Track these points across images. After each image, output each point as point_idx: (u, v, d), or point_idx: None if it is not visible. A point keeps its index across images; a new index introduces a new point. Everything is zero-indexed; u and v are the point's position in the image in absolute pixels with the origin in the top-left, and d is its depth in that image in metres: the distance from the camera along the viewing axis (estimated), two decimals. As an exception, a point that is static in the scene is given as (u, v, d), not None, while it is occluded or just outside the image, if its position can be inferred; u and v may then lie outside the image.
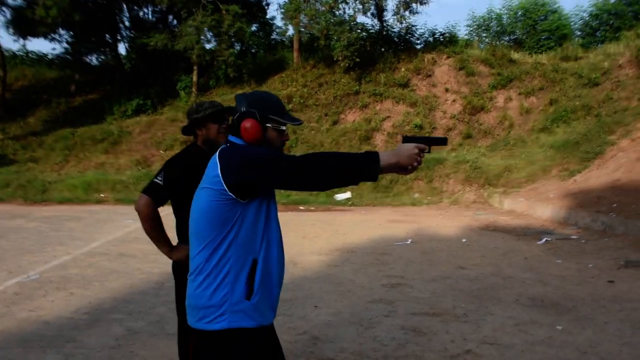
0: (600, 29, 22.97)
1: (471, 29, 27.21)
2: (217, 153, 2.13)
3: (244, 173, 2.02)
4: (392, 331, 4.82)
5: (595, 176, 13.65)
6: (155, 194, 2.91)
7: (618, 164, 13.49)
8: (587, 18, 23.82)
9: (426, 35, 24.19)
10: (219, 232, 2.08)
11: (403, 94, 21.00)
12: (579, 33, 24.31)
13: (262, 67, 24.93)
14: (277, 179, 2.03)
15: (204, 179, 2.16)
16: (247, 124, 2.15)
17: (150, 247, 3.90)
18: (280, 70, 24.67)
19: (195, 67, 23.75)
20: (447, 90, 21.14)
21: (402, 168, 2.05)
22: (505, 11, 26.51)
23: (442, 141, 2.24)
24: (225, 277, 2.08)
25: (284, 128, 2.25)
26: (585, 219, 10.87)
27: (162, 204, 2.97)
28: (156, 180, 2.94)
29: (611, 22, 22.17)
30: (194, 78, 24.03)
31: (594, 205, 11.45)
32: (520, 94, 19.90)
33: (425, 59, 22.17)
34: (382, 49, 23.94)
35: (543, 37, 23.40)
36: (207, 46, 24.63)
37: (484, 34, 26.62)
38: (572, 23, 24.17)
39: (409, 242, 9.65)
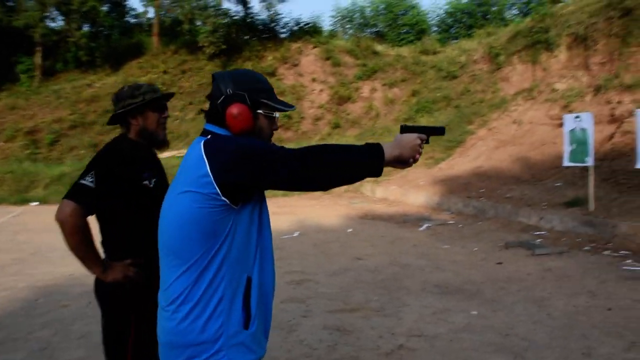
0: (455, 25, 24.69)
1: (335, 19, 27.71)
2: (203, 148, 1.66)
3: (240, 171, 1.60)
4: (315, 332, 4.49)
5: (459, 163, 14.52)
6: (84, 200, 2.24)
7: (479, 152, 14.48)
8: (443, 15, 25.53)
9: (291, 24, 24.10)
10: (208, 247, 1.65)
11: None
12: (436, 28, 25.89)
13: (117, 51, 23.07)
14: (278, 178, 1.62)
15: (180, 181, 1.69)
16: (235, 109, 1.73)
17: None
18: (138, 55, 23.04)
19: (39, 48, 21.23)
20: (314, 80, 21.23)
21: (403, 161, 1.77)
22: (368, 4, 27.36)
23: (440, 130, 1.98)
24: (219, 303, 1.66)
25: (276, 115, 1.84)
26: (458, 204, 11.45)
27: (93, 212, 2.30)
28: (84, 182, 2.26)
29: (464, 20, 23.92)
30: (38, 60, 21.49)
31: (463, 191, 12.13)
32: (384, 85, 20.60)
33: (292, 48, 22.07)
34: (247, 37, 23.38)
35: (403, 31, 24.54)
36: (53, 25, 22.18)
37: (348, 26, 27.24)
38: (429, 19, 25.71)
39: (296, 234, 9.39)
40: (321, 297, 5.50)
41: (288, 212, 12.23)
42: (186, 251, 1.65)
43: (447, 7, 25.19)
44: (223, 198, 1.62)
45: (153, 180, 2.45)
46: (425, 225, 10.04)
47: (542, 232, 8.72)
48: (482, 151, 14.34)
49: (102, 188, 2.25)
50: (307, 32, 23.18)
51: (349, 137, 18.96)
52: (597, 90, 12.66)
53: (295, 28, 23.96)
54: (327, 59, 21.52)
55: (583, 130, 8.53)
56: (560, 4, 15.43)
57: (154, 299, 2.44)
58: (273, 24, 23.94)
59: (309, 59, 21.78)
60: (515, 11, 23.53)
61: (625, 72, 12.30)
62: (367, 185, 15.72)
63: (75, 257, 2.28)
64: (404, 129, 1.86)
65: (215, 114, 1.77)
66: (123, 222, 2.36)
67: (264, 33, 23.69)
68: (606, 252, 7.25)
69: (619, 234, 7.57)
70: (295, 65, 21.58)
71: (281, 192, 16.32)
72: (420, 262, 7.08)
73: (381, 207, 12.98)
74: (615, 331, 4.42)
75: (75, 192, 2.24)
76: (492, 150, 14.07)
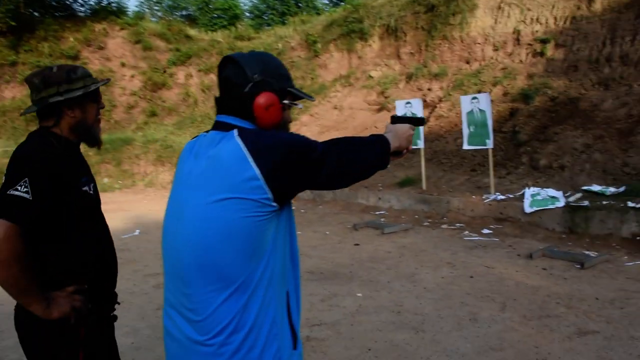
0: (268, 12, 24.83)
1: (142, 0, 25.90)
2: (243, 145, 1.39)
3: (294, 172, 1.40)
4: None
5: (286, 149, 14.73)
6: (21, 216, 1.66)
7: (304, 137, 14.85)
8: (256, 1, 25.42)
9: (92, 3, 21.95)
10: (257, 262, 1.40)
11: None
12: (249, 14, 25.74)
13: None
14: (320, 177, 1.45)
15: (209, 187, 1.39)
16: (265, 99, 1.48)
17: None
18: None
19: None
20: (123, 64, 19.71)
21: (400, 152, 1.73)
22: (178, -15, 26.13)
23: (422, 121, 1.97)
24: (272, 326, 1.43)
25: (300, 106, 1.62)
26: (294, 189, 11.61)
27: (33, 231, 1.74)
28: (17, 194, 1.67)
29: (277, 7, 24.17)
30: None
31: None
32: (200, 70, 19.96)
33: (96, 30, 20.15)
34: (37, 14, 20.70)
35: (216, 16, 23.94)
36: None
37: (156, 7, 25.70)
38: (242, 4, 25.44)
39: (137, 232, 8.65)
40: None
41: (117, 208, 11.20)
42: (232, 270, 1.37)
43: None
44: (274, 203, 1.38)
45: (92, 185, 1.98)
46: (269, 213, 9.99)
47: (382, 212, 9.29)
48: (307, 136, 14.74)
49: (41, 199, 1.73)
50: (112, 12, 21.33)
51: (167, 126, 18.04)
52: (409, 78, 13.83)
53: (97, 7, 21.89)
54: (137, 42, 20.10)
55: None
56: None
57: (103, 332, 1.97)
58: (69, 1, 21.56)
59: (117, 41, 20.10)
60: (326, 1, 24.65)
61: (432, 62, 13.63)
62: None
63: (9, 292, 1.73)
64: (395, 119, 1.83)
65: (237, 104, 1.49)
66: (61, 239, 1.85)
67: (59, 10, 21.20)
68: (444, 226, 7.98)
69: (452, 209, 8.39)
70: (102, 48, 19.75)
71: (98, 186, 14.96)
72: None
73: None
74: (485, 296, 4.87)
75: (8, 207, 1.68)
76: (317, 135, 14.54)
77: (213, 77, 19.90)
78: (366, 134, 13.37)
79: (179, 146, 16.53)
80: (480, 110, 8.29)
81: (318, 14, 20.94)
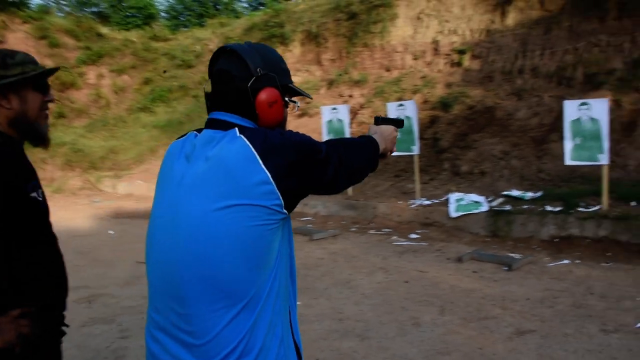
0: (184, 13, 24.07)
1: (45, -6, 24.30)
2: (250, 145, 1.26)
3: (302, 175, 1.30)
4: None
5: (206, 154, 14.32)
6: None
7: (225, 141, 14.51)
8: (172, 1, 24.58)
9: (-14, -7, 20.21)
10: (265, 276, 1.27)
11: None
12: (164, 15, 24.85)
13: None
14: (325, 180, 1.36)
15: (211, 192, 1.25)
16: (269, 95, 1.37)
17: None
18: None
19: None
20: (26, 62, 18.31)
21: (385, 154, 1.71)
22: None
23: (401, 123, 1.95)
24: (280, 346, 1.31)
25: (298, 104, 1.52)
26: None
27: None
28: None
29: (194, 8, 23.50)
30: None
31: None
32: (112, 71, 18.99)
33: (-6, 22, 18.60)
34: None
35: (129, 14, 22.91)
36: None
37: (64, 2, 24.19)
38: (157, 4, 24.50)
39: (48, 241, 8.00)
40: (131, 312, 4.78)
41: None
42: (240, 285, 1.23)
43: (177, -7, 24.48)
44: (285, 210, 1.27)
45: (40, 191, 1.74)
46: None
47: (309, 218, 9.22)
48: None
49: None
50: (12, 3, 19.77)
51: (76, 128, 17.00)
52: (330, 84, 13.91)
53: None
54: (42, 38, 18.76)
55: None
56: (293, 1, 16.41)
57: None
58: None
59: (18, 36, 18.64)
60: (244, 4, 24.29)
61: (353, 69, 13.80)
62: (105, 181, 14.36)
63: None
64: (379, 121, 1.78)
65: (236, 100, 1.36)
66: (7, 255, 1.60)
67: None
68: (372, 231, 8.03)
69: (378, 214, 8.48)
70: (0, 42, 18.25)
71: None
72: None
73: (131, 204, 12.00)
74: (423, 300, 4.92)
75: None
76: (239, 140, 14.28)
77: (126, 79, 19.03)
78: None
79: (90, 150, 15.63)
80: (406, 117, 8.41)
81: (237, 17, 20.62)
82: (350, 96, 13.30)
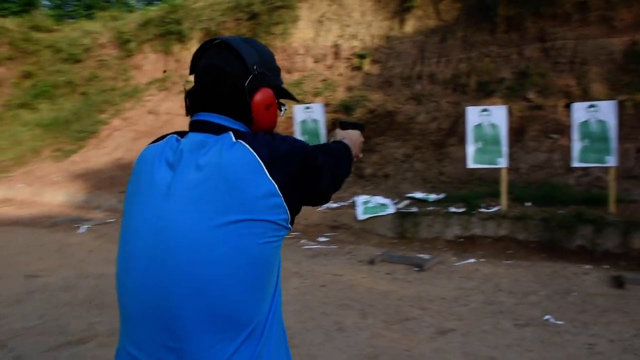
0: (70, 2, 22.35)
1: None
2: (254, 152, 1.13)
3: (304, 184, 1.20)
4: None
5: (96, 156, 13.46)
6: None
7: (116, 143, 13.71)
8: None
9: None
10: (268, 300, 1.15)
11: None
12: (47, 3, 22.88)
13: None
14: (322, 187, 1.28)
15: (208, 206, 1.10)
16: (264, 97, 1.25)
17: None
18: None
19: None
20: None
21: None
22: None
23: (362, 127, 1.92)
24: None
25: (285, 107, 1.41)
26: (110, 200, 10.60)
27: None
28: None
29: (81, -2, 21.92)
30: None
31: (111, 185, 11.33)
32: (-17, 62, 17.25)
33: None
34: None
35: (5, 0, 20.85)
36: None
37: None
38: (38, -9, 22.47)
39: None
40: (26, 335, 4.27)
41: None
42: (244, 312, 1.09)
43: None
44: (289, 225, 1.17)
45: None
46: (84, 227, 8.95)
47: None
48: (120, 142, 13.64)
49: None
50: None
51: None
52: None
53: None
54: None
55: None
56: (189, -1, 15.86)
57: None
58: None
59: None
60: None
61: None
62: (-22, 184, 12.99)
63: None
64: (346, 125, 1.72)
65: (229, 101, 1.22)
66: None
67: None
68: (281, 234, 7.92)
69: (287, 216, 8.38)
70: None
71: None
72: (114, 270, 6.27)
73: (10, 210, 10.97)
74: (343, 304, 4.90)
75: None
76: (132, 141, 13.54)
77: (3, 71, 17.36)
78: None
79: (-40, 149, 14.08)
80: (313, 119, 8.39)
81: (130, 10, 19.57)
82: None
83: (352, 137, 1.60)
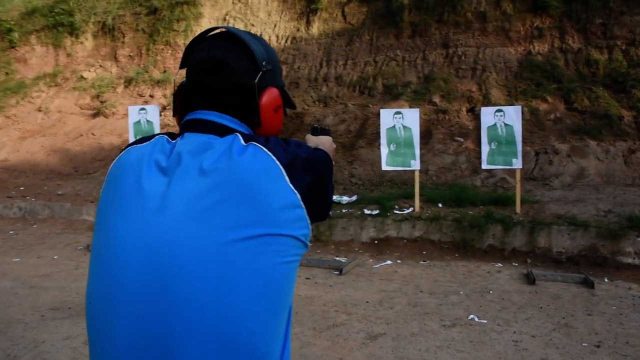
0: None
1: None
2: (273, 157, 0.97)
3: (322, 194, 1.05)
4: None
5: (-25, 156, 12.16)
6: None
7: (0, 143, 12.48)
8: None
9: None
10: (284, 325, 1.00)
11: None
12: None
13: None
14: (330, 200, 1.16)
15: (232, 217, 0.91)
16: (273, 97, 1.10)
17: None
18: None
19: None
20: None
21: None
22: None
23: (329, 132, 1.82)
24: None
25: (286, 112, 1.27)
26: (-5, 205, 9.59)
27: None
28: None
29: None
30: None
31: (-2, 189, 10.26)
32: None
33: None
34: None
35: None
36: None
37: None
38: None
39: None
40: None
41: None
42: (261, 342, 0.91)
43: None
44: (309, 243, 1.02)
45: None
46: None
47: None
48: (4, 142, 12.43)
49: None
50: None
51: None
52: (129, 82, 12.88)
53: None
54: None
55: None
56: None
57: None
58: None
59: None
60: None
61: (154, 67, 12.98)
62: None
63: None
64: (318, 131, 1.64)
65: (236, 99, 1.06)
66: None
67: None
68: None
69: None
70: None
71: None
72: (6, 284, 5.63)
73: None
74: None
75: None
76: (18, 141, 12.40)
77: None
78: (83, 140, 11.93)
79: None
80: (148, 121, 8.34)
81: (11, -1, 17.92)
82: (152, 96, 12.50)
83: (325, 144, 1.46)
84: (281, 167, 0.94)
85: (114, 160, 1.08)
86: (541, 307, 4.56)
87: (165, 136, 1.05)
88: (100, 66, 13.61)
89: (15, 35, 14.18)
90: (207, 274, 0.87)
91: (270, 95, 1.08)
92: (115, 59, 13.64)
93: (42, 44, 14.18)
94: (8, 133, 12.62)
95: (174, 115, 1.15)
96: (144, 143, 1.06)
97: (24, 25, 14.18)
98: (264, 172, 0.93)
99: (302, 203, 0.94)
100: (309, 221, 0.97)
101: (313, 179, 0.99)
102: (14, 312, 4.73)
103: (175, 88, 1.15)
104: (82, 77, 13.41)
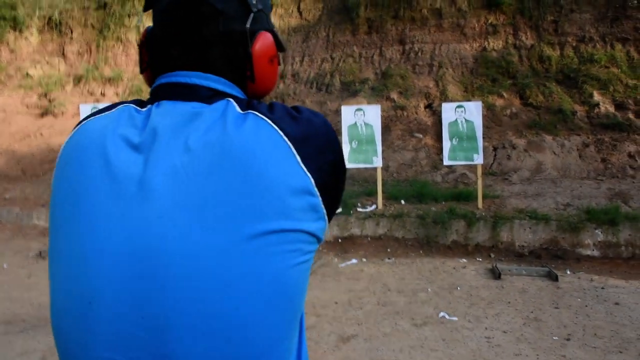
0: None
1: None
2: (280, 131, 0.76)
3: (340, 180, 0.85)
4: None
5: None
6: None
7: (-62, 144, 11.78)
8: None
9: None
10: (299, 339, 0.85)
11: None
12: None
13: None
14: (341, 195, 0.93)
15: (236, 209, 0.71)
16: (267, 45, 0.87)
17: None
18: None
19: None
20: None
21: None
22: None
23: None
24: None
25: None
26: None
27: None
28: None
29: None
30: None
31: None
32: None
33: None
34: None
35: None
36: None
37: None
38: None
39: None
40: None
41: None
42: (275, 354, 0.76)
43: None
44: (322, 237, 0.82)
45: None
46: None
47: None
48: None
49: None
50: None
51: None
52: (78, 80, 12.39)
53: None
54: None
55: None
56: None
57: None
58: None
59: None
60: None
61: (105, 64, 12.52)
62: None
63: None
64: None
65: (222, 52, 0.83)
66: None
67: None
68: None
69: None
70: None
71: None
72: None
73: None
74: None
75: None
76: (-41, 144, 11.74)
77: None
78: (30, 141, 11.42)
79: None
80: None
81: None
82: (103, 94, 12.07)
83: None
84: (290, 143, 0.75)
85: (66, 141, 0.84)
86: (509, 302, 4.61)
87: (131, 105, 0.83)
88: (47, 63, 13.03)
89: (-48, 30, 13.39)
90: (216, 282, 0.71)
91: (264, 42, 0.86)
92: (63, 55, 13.08)
93: (-18, 40, 13.46)
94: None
95: (141, 72, 0.92)
96: (103, 114, 0.84)
97: (-38, 20, 13.41)
98: (268, 149, 0.74)
99: (316, 189, 0.76)
100: (324, 211, 0.79)
101: (330, 159, 0.81)
102: None
103: (141, 38, 0.91)
104: (27, 74, 12.80)
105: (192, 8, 0.81)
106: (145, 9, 0.89)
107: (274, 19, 11.82)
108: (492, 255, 5.97)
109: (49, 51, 13.20)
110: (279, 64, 0.94)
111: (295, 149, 0.75)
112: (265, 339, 0.74)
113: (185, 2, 0.81)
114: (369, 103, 9.29)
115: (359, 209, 6.99)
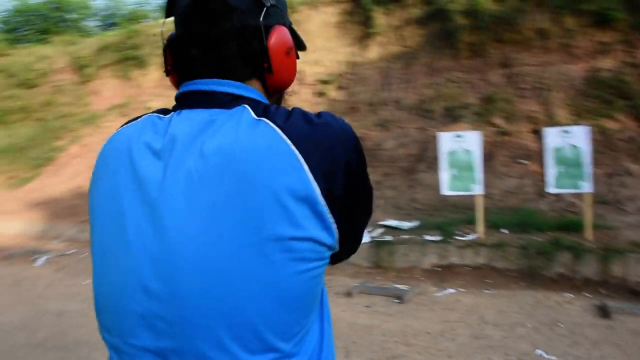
0: (24, 27, 21.53)
1: None
2: (279, 131, 0.80)
3: (354, 200, 0.90)
4: None
5: (53, 184, 12.90)
6: None
7: (75, 170, 13.18)
8: (11, 12, 21.69)
9: None
10: (319, 324, 0.94)
11: None
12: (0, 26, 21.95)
13: None
14: (361, 223, 1.02)
15: (239, 213, 0.77)
16: (283, 38, 0.92)
17: None
18: None
19: None
20: None
21: None
22: None
23: None
24: None
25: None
26: (71, 230, 10.10)
27: None
28: None
29: (36, 22, 21.10)
30: None
31: (72, 215, 10.79)
32: None
33: None
34: None
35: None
36: None
37: None
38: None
39: None
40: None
41: None
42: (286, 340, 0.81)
43: (16, 3, 21.62)
44: (335, 246, 0.87)
45: None
46: (42, 259, 8.45)
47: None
48: (79, 170, 13.11)
49: None
50: None
51: None
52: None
53: None
54: None
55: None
56: (148, 23, 15.55)
57: None
58: None
59: None
60: (95, 22, 22.37)
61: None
62: None
63: None
64: None
65: (237, 49, 0.89)
66: None
67: None
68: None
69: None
70: None
71: None
72: (76, 306, 5.87)
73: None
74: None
75: None
76: (91, 168, 12.99)
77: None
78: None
79: None
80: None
81: (86, 36, 19.05)
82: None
83: None
84: (297, 152, 0.78)
85: (102, 148, 0.94)
86: (618, 345, 4.27)
87: (155, 114, 0.91)
88: (165, 95, 14.18)
89: (90, 70, 15.02)
90: (214, 285, 0.76)
91: (279, 35, 0.90)
92: (179, 88, 14.18)
93: (113, 77, 14.94)
94: (82, 161, 13.30)
95: (166, 75, 1.00)
96: (134, 122, 0.92)
97: (97, 61, 15.01)
98: (273, 160, 0.77)
99: (321, 198, 0.78)
100: (332, 220, 0.81)
101: (344, 166, 0.83)
102: (83, 333, 4.91)
103: (165, 42, 0.97)
104: (148, 107, 14.00)
105: (206, 6, 0.87)
106: (166, 17, 0.97)
107: (374, 46, 12.00)
108: (602, 291, 5.57)
109: (168, 85, 14.31)
110: (297, 57, 0.99)
111: (303, 157, 0.78)
112: (271, 336, 0.78)
113: (200, 2, 0.88)
114: (471, 129, 9.10)
115: (459, 237, 6.84)
